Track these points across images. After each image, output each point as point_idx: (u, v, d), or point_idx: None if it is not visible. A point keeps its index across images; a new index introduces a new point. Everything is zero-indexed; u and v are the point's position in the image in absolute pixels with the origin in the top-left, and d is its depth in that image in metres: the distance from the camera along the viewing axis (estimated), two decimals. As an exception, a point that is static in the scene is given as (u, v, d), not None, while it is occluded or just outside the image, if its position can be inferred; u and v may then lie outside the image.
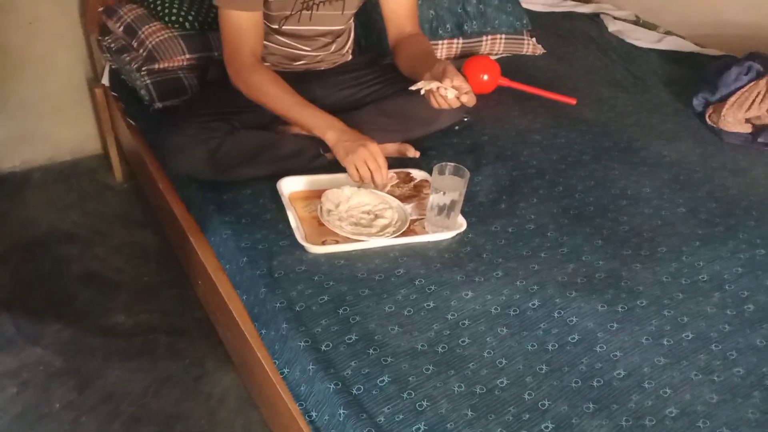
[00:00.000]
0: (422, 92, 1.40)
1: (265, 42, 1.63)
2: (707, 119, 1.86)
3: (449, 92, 1.36)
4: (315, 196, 1.44)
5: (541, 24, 2.37)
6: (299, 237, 1.29)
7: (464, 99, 1.39)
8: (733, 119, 1.79)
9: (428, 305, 1.18)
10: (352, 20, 1.75)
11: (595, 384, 1.06)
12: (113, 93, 2.05)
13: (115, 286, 1.86)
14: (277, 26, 1.59)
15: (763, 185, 1.60)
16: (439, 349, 1.10)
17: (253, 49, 1.51)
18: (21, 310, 1.76)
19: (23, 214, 2.11)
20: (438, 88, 1.37)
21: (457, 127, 1.75)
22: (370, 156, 1.39)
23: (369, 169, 1.40)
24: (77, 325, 1.72)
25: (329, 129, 1.44)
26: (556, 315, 1.18)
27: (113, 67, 2.03)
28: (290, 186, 1.46)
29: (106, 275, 1.90)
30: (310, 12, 1.57)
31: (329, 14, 1.61)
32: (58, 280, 1.87)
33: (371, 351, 1.08)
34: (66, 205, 2.17)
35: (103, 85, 2.11)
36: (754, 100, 1.78)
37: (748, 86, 1.81)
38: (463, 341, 1.11)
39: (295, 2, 1.54)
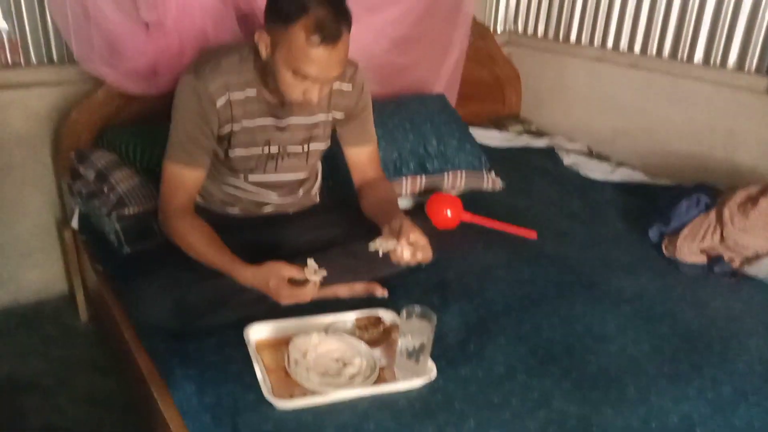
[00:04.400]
0: (380, 254, 1.47)
1: (233, 191, 1.68)
2: (663, 250, 1.93)
3: (405, 253, 1.44)
4: (283, 342, 1.43)
5: (500, 158, 2.48)
6: (266, 391, 1.26)
7: (419, 257, 1.46)
8: (688, 250, 1.87)
9: (399, 462, 1.15)
10: (318, 164, 1.83)
11: None
12: (82, 236, 2.06)
13: (74, 438, 1.78)
14: (243, 177, 1.64)
15: (723, 318, 1.63)
16: None
17: (184, 202, 1.56)
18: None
19: (-18, 362, 2.05)
20: (394, 249, 1.44)
21: (423, 264, 1.78)
22: (290, 297, 1.41)
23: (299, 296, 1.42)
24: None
25: (238, 276, 1.45)
26: (529, 468, 1.16)
27: (83, 210, 2.05)
28: (257, 333, 1.45)
29: (66, 427, 1.81)
30: (275, 162, 1.64)
31: (294, 163, 1.68)
32: (14, 433, 1.79)
33: None
34: (28, 350, 2.11)
35: (73, 228, 2.13)
36: (706, 231, 1.87)
37: (698, 218, 1.90)
38: (435, 502, 1.08)
39: (260, 155, 1.61)
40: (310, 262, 1.43)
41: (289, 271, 1.41)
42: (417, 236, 1.44)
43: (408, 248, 1.43)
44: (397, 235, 1.44)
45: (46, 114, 2.16)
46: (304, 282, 1.42)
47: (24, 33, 2.09)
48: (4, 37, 2.08)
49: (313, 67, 1.40)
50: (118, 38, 1.95)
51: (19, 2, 2.04)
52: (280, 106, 1.58)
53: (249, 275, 1.44)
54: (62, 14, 1.95)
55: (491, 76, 2.94)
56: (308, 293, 1.42)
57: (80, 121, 2.08)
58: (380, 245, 1.45)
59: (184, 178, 1.55)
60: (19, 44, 2.10)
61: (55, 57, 2.16)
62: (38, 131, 2.17)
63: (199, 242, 1.51)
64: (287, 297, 1.41)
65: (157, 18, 1.91)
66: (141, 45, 1.95)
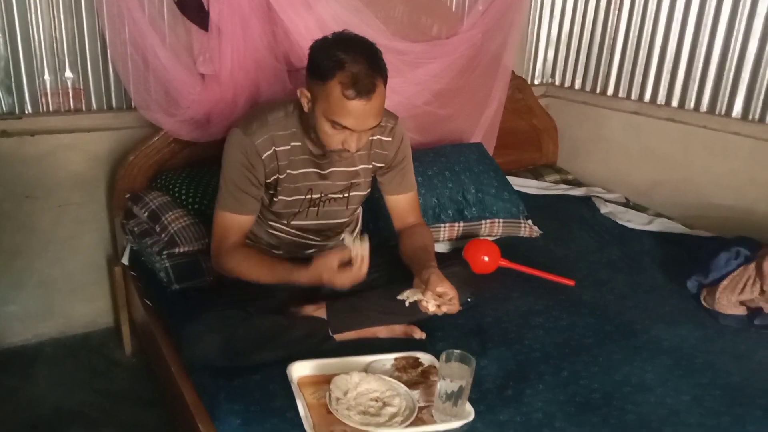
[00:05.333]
0: (407, 304, 1.53)
1: (277, 233, 1.75)
2: (702, 301, 1.92)
3: (430, 305, 1.50)
4: (324, 381, 1.46)
5: (537, 205, 2.52)
6: (308, 427, 1.30)
7: (444, 309, 1.52)
8: (727, 302, 1.86)
9: (438, 504, 1.16)
10: (359, 209, 1.89)
11: None
12: (132, 273, 2.15)
13: (117, 470, 1.83)
14: (286, 222, 1.72)
15: (765, 370, 1.62)
16: None
17: (236, 241, 1.66)
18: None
19: (31, 392, 2.12)
20: (420, 300, 1.51)
21: (461, 308, 1.81)
22: (346, 280, 1.52)
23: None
24: None
25: (298, 280, 1.56)
26: None
27: (134, 248, 2.14)
28: (300, 371, 1.49)
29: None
30: (316, 208, 1.71)
31: (335, 209, 1.75)
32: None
33: None
34: (74, 381, 2.18)
35: (123, 264, 2.22)
36: (745, 284, 1.86)
37: (738, 270, 1.89)
38: None
39: (302, 201, 1.68)
40: (347, 237, 1.55)
41: (335, 258, 1.51)
42: (444, 289, 1.50)
43: (433, 300, 1.50)
44: (425, 286, 1.49)
45: (104, 157, 2.28)
46: (351, 261, 1.51)
47: (87, 81, 2.23)
48: (69, 85, 2.22)
49: (349, 119, 1.48)
50: (175, 88, 2.08)
51: (85, 53, 2.19)
52: (323, 156, 1.66)
53: (305, 278, 1.54)
54: (123, 64, 2.08)
55: (529, 126, 3.00)
56: (360, 269, 1.51)
57: (136, 164, 2.20)
58: (407, 296, 1.53)
59: (235, 222, 1.64)
60: (82, 92, 2.24)
61: (114, 104, 2.29)
62: (96, 173, 2.29)
63: (254, 267, 1.61)
64: (342, 282, 1.51)
65: (213, 71, 2.03)
66: (197, 95, 2.06)
